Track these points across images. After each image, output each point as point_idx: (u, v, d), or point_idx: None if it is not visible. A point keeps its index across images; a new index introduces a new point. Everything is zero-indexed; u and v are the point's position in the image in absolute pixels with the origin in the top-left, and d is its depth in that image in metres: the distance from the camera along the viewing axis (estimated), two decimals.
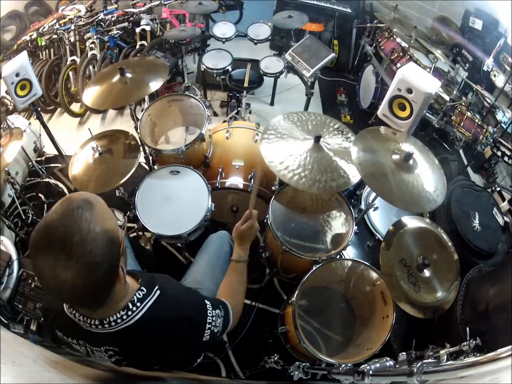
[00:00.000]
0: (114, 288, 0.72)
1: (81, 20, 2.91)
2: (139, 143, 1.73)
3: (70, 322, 0.80)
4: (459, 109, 2.39)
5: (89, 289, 0.66)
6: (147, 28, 2.92)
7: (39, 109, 2.33)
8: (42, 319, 0.94)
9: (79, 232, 0.63)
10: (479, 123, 2.35)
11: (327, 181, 1.35)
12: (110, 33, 2.88)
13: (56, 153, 2.35)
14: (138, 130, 1.74)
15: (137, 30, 2.92)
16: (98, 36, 2.86)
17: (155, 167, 2.01)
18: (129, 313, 0.78)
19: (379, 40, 2.92)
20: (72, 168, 1.66)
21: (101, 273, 0.66)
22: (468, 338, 0.92)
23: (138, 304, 0.79)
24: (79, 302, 0.72)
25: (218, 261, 1.38)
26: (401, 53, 2.68)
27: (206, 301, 0.92)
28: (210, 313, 0.90)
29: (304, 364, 1.31)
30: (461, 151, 2.71)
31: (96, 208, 0.68)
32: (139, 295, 0.80)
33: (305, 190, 1.34)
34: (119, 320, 0.77)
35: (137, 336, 0.81)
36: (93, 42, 2.86)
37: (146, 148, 1.89)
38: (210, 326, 0.89)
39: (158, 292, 0.83)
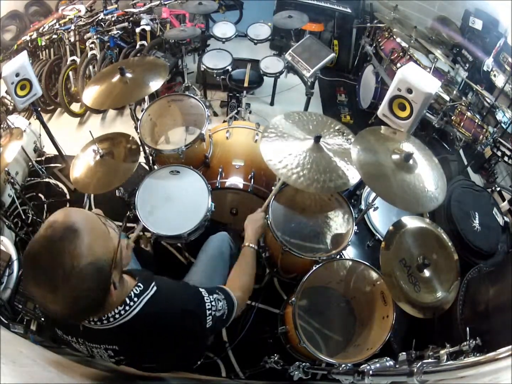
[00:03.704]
0: (106, 300, 0.73)
1: (81, 20, 2.91)
2: (139, 144, 1.73)
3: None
4: (459, 109, 2.39)
5: (78, 313, 0.70)
6: (147, 28, 2.92)
7: (39, 109, 2.33)
8: (43, 318, 0.95)
9: (62, 268, 0.63)
10: (479, 123, 2.35)
11: (326, 181, 1.35)
12: (110, 33, 2.88)
13: (56, 153, 2.35)
14: (138, 130, 1.74)
15: (137, 30, 2.92)
16: (98, 36, 2.86)
17: (155, 167, 2.01)
18: (127, 308, 0.79)
19: (379, 40, 2.92)
20: (74, 170, 1.66)
21: (89, 301, 0.68)
22: (468, 338, 0.92)
23: (135, 299, 0.81)
24: (71, 320, 0.77)
25: (218, 262, 1.39)
26: (401, 53, 2.68)
27: (200, 289, 0.94)
28: (207, 299, 0.92)
29: (304, 364, 1.31)
30: (461, 151, 2.71)
31: (81, 236, 0.66)
32: (136, 290, 0.82)
33: (303, 189, 1.34)
34: (117, 316, 0.78)
35: (135, 332, 0.81)
36: (93, 42, 2.86)
37: (146, 148, 1.89)
38: (210, 312, 0.91)
39: (155, 288, 0.85)
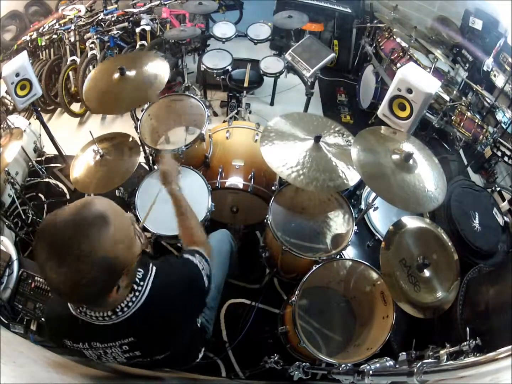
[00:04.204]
0: (106, 297, 0.72)
1: (81, 20, 2.91)
2: (139, 144, 1.73)
3: (78, 326, 0.80)
4: (459, 109, 2.39)
5: (76, 296, 0.68)
6: (147, 28, 2.92)
7: (39, 109, 2.33)
8: (47, 331, 0.93)
9: (79, 250, 0.62)
10: (479, 123, 2.35)
11: (325, 181, 1.35)
12: (110, 33, 2.88)
13: (56, 153, 2.35)
14: (138, 130, 1.74)
15: (137, 30, 2.92)
16: (98, 36, 2.85)
17: (155, 167, 2.01)
18: (137, 293, 0.80)
19: (379, 40, 2.92)
20: (74, 170, 1.66)
21: (89, 290, 0.66)
22: (468, 338, 0.92)
23: (142, 283, 0.81)
24: (66, 298, 0.74)
25: (217, 259, 1.38)
26: (401, 53, 2.68)
27: (184, 255, 0.95)
28: (195, 261, 0.94)
29: (304, 364, 1.31)
30: (461, 151, 2.71)
31: (109, 228, 0.66)
32: (139, 275, 0.82)
33: (303, 187, 1.35)
34: (130, 303, 0.79)
35: (150, 314, 0.82)
36: (93, 42, 2.85)
37: (146, 148, 1.89)
38: (203, 271, 0.94)
39: (154, 267, 0.86)
